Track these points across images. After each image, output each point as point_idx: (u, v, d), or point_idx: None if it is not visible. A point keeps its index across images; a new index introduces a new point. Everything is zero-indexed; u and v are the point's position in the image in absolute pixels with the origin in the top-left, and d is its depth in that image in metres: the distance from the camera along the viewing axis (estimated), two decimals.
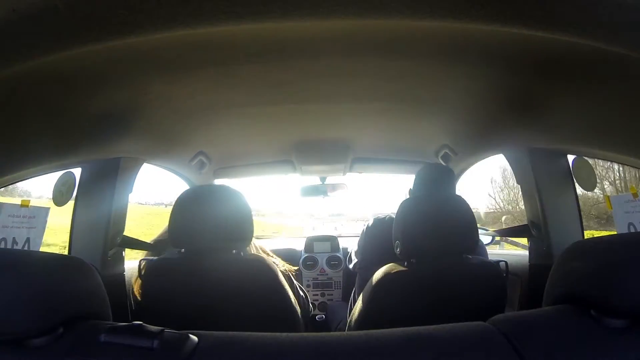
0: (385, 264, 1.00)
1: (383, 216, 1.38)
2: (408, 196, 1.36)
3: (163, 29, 0.57)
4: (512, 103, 1.07)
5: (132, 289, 1.34)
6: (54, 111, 0.89)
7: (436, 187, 1.27)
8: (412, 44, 0.81)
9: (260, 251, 1.17)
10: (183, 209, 0.95)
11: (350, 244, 2.08)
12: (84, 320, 0.57)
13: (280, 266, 1.11)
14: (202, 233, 0.92)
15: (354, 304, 1.20)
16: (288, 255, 1.92)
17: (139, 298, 1.04)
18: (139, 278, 0.99)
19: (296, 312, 0.97)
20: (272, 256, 1.17)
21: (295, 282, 1.16)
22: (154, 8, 0.52)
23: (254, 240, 1.13)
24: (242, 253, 0.95)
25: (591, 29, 0.53)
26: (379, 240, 1.28)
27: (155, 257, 0.99)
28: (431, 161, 1.84)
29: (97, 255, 1.22)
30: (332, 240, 2.27)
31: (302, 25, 0.65)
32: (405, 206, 1.01)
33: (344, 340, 0.55)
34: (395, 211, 1.13)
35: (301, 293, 1.20)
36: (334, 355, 0.51)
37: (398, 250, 0.98)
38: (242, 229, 0.94)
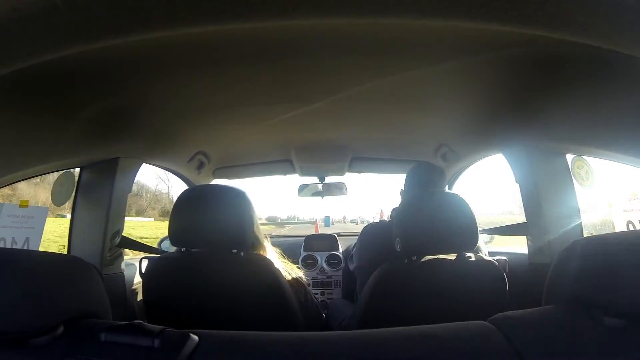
0: (381, 264, 1.00)
1: (377, 222, 1.40)
2: (400, 197, 1.36)
3: (162, 28, 0.56)
4: (512, 103, 1.07)
5: (132, 287, 1.35)
6: (52, 111, 0.89)
7: (429, 185, 1.27)
8: (412, 43, 0.81)
9: (276, 255, 1.13)
10: (183, 208, 0.95)
11: (349, 243, 2.08)
12: (84, 320, 0.57)
13: (293, 273, 1.09)
14: (202, 232, 0.92)
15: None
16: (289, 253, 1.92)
17: (139, 296, 1.04)
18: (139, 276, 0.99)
19: (296, 312, 0.97)
20: (286, 261, 1.14)
21: (308, 290, 1.13)
22: (153, 7, 0.52)
23: (269, 244, 1.12)
24: (242, 253, 0.95)
25: (591, 29, 0.53)
26: (372, 245, 1.29)
27: (156, 256, 1.00)
28: (431, 160, 1.84)
29: (97, 254, 1.22)
30: (331, 239, 2.27)
31: (301, 25, 0.64)
32: (405, 204, 1.01)
33: (344, 339, 0.55)
34: (390, 216, 1.14)
35: (314, 301, 1.17)
36: (334, 354, 0.51)
37: (398, 247, 0.98)
38: (242, 229, 0.94)
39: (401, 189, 1.38)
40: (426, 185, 1.28)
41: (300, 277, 1.11)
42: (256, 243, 1.05)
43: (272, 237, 2.38)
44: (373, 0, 0.52)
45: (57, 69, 0.71)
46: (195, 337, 0.53)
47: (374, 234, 1.33)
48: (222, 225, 0.93)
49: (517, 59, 0.84)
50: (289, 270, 1.08)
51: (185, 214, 0.94)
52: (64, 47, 0.57)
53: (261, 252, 1.06)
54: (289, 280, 1.03)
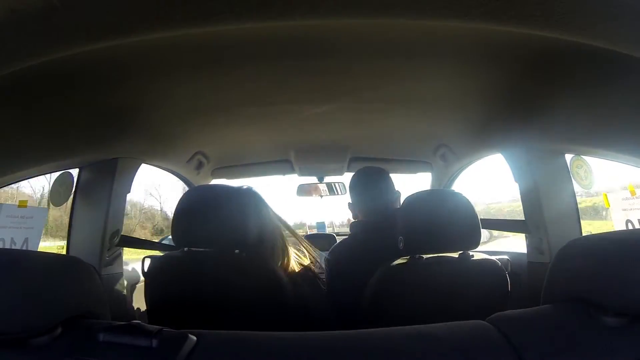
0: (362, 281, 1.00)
1: (341, 240, 1.33)
2: (350, 210, 1.32)
3: (162, 29, 0.56)
4: (511, 102, 1.07)
5: (131, 288, 1.35)
6: (52, 112, 0.89)
7: (376, 189, 1.24)
8: (411, 43, 0.81)
9: (305, 249, 1.12)
10: (186, 207, 0.94)
11: None
12: (82, 320, 0.57)
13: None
14: (204, 232, 0.92)
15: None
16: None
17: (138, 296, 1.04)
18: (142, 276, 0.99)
19: (296, 315, 0.96)
20: (307, 248, 1.12)
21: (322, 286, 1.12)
22: (152, 8, 0.52)
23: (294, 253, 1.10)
24: (244, 254, 0.94)
25: (591, 29, 0.53)
26: (348, 264, 1.17)
27: (159, 255, 1.00)
28: (430, 160, 1.84)
29: (96, 255, 1.22)
30: (331, 239, 2.27)
31: (300, 25, 0.65)
32: (408, 203, 1.01)
33: (344, 338, 0.55)
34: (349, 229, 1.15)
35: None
36: (334, 354, 0.51)
37: (401, 245, 0.98)
38: (245, 229, 0.94)
39: (349, 202, 1.31)
40: (372, 189, 1.24)
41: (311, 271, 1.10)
42: (276, 250, 1.04)
43: None
44: (372, 0, 0.52)
45: (57, 69, 0.71)
46: (194, 337, 0.52)
47: (344, 255, 1.21)
48: (224, 226, 0.92)
49: (516, 59, 0.84)
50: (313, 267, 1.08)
51: (188, 213, 0.94)
52: (64, 47, 0.57)
53: (287, 263, 1.05)
54: (298, 272, 1.04)
